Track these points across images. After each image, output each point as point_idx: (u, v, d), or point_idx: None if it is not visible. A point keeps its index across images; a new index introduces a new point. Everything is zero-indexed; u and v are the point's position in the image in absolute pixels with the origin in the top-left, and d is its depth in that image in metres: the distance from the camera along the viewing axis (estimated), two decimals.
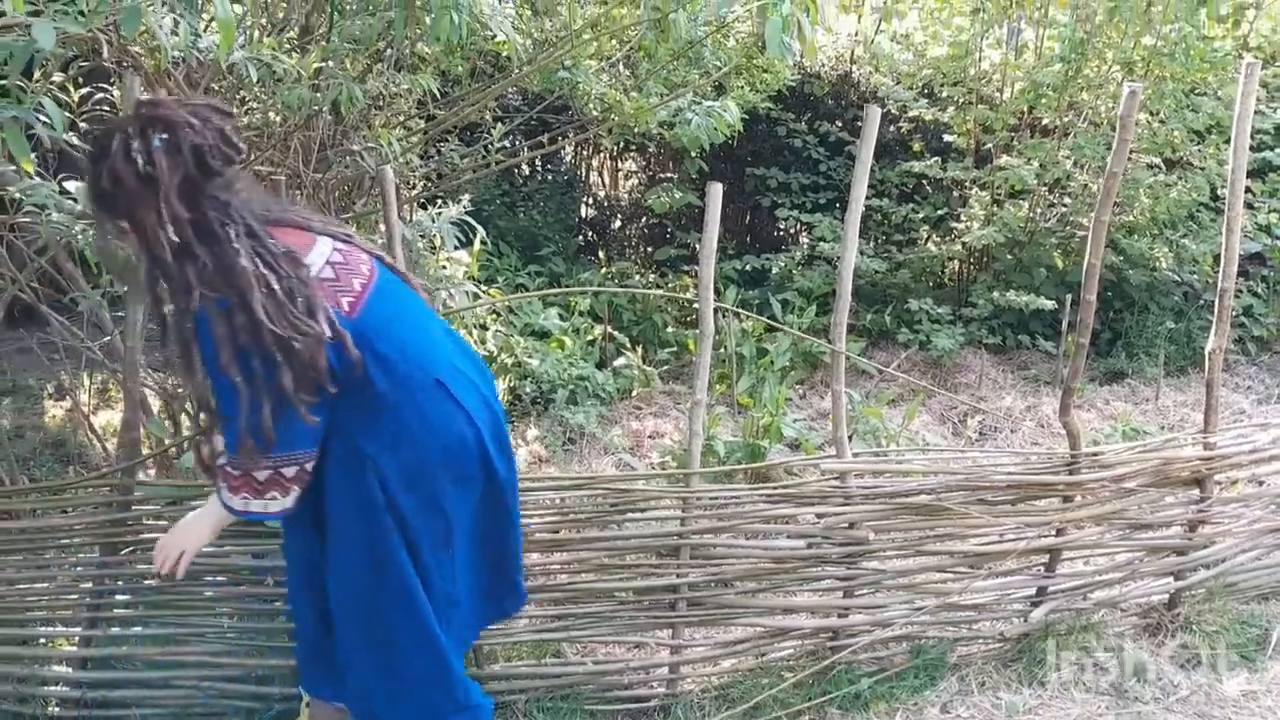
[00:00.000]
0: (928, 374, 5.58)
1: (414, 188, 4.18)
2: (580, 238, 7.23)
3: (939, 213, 6.48)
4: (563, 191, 7.22)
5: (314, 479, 1.85)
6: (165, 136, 1.58)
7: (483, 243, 4.58)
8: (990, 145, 6.07)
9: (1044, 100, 5.74)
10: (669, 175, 6.95)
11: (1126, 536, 2.96)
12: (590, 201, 7.66)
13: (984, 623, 2.91)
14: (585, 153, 7.29)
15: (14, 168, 2.36)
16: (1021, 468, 2.90)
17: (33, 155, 1.98)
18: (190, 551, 1.94)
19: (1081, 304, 2.71)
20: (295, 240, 1.73)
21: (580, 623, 2.60)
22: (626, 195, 7.76)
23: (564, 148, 6.82)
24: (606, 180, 7.88)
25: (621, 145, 6.69)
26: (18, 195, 2.12)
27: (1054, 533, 2.87)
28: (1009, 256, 6.08)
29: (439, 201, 4.23)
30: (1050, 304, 5.51)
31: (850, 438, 3.04)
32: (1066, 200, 6.07)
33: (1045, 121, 6.06)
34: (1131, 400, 5.35)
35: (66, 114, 2.24)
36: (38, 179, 2.10)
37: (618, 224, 7.69)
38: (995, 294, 5.72)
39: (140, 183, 1.58)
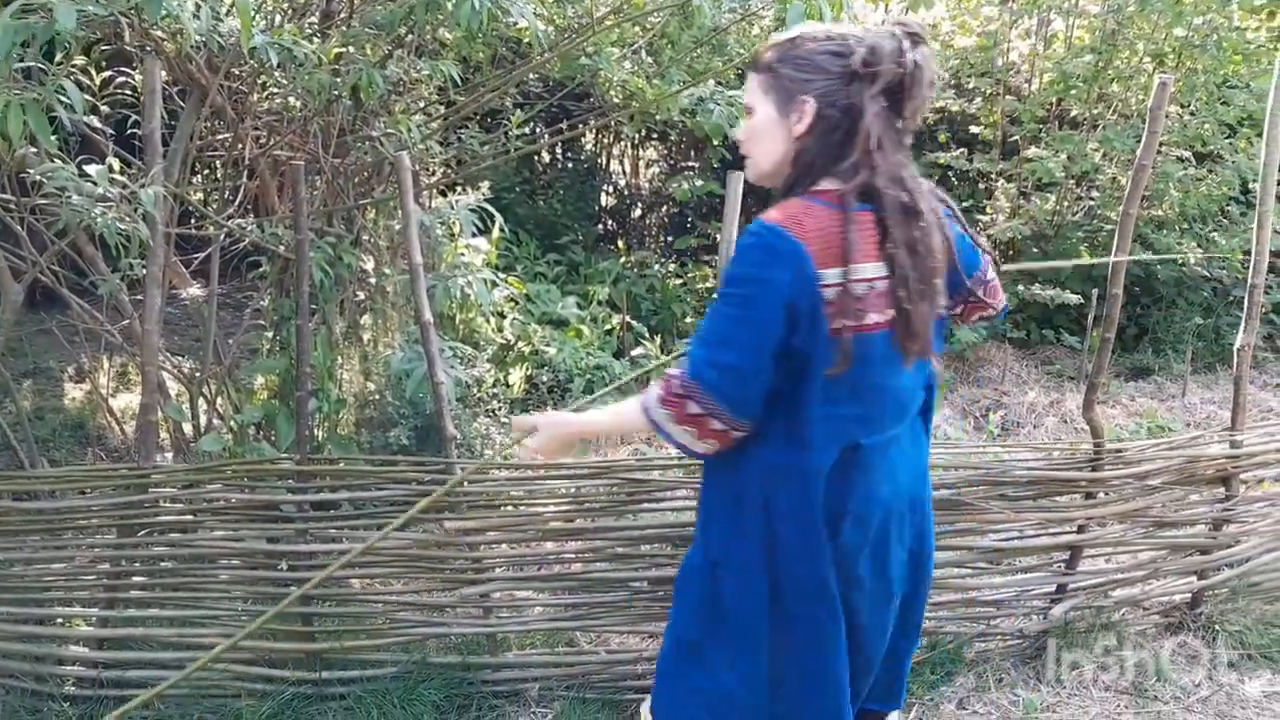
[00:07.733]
0: (950, 367, 5.53)
1: (434, 174, 4.17)
2: (600, 226, 7.20)
3: (964, 205, 6.41)
4: (583, 180, 7.19)
5: None
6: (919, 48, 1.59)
7: (501, 230, 4.57)
8: (1018, 137, 5.99)
9: (1073, 92, 5.67)
10: (691, 164, 6.91)
11: (1149, 534, 2.92)
12: (610, 190, 7.63)
13: (1002, 619, 2.88)
14: (606, 141, 7.26)
15: (35, 150, 2.37)
16: (1043, 463, 2.85)
17: (54, 137, 1.98)
18: (549, 435, 1.81)
19: (1108, 298, 2.66)
20: None
21: (594, 612, 2.59)
22: (647, 184, 7.73)
23: (584, 135, 6.80)
24: (627, 168, 7.85)
25: (643, 133, 6.66)
26: (38, 178, 2.12)
27: (1075, 529, 2.83)
28: (1035, 250, 6.01)
29: (458, 188, 4.22)
30: (1076, 298, 5.43)
31: None
32: (1094, 194, 5.99)
33: (1074, 113, 5.98)
34: (1157, 397, 5.28)
35: (88, 97, 2.23)
36: (58, 162, 2.10)
37: (638, 212, 7.66)
38: (1020, 288, 5.66)
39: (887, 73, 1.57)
